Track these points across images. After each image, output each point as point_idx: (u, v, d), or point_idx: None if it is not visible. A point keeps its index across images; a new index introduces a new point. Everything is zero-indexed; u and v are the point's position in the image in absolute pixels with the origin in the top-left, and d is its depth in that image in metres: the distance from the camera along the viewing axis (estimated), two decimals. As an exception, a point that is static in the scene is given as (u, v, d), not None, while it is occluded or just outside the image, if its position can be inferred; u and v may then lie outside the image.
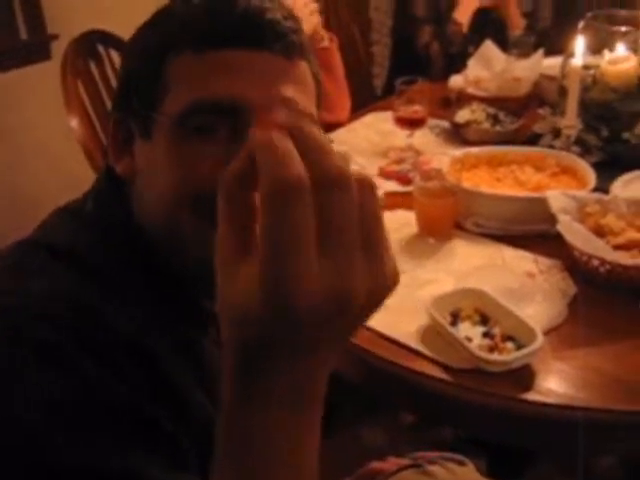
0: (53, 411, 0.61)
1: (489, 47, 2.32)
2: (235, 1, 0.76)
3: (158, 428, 0.67)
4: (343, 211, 0.46)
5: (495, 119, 2.01)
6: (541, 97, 2.17)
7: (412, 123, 1.94)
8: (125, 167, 0.81)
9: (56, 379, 0.62)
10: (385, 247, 0.49)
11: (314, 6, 2.06)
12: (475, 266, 1.42)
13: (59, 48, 2.55)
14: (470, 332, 1.19)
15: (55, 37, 2.80)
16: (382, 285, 0.48)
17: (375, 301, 0.49)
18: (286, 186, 0.44)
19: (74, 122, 2.04)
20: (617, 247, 1.33)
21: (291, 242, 0.45)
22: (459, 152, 1.73)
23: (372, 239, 0.48)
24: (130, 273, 0.77)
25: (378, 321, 1.26)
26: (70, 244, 0.76)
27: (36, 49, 2.81)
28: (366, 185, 0.48)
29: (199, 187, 0.74)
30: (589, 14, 1.92)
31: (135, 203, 0.81)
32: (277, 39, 0.77)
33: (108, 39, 2.30)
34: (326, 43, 2.13)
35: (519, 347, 1.14)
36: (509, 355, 1.12)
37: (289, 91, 0.77)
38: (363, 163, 1.84)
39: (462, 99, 2.17)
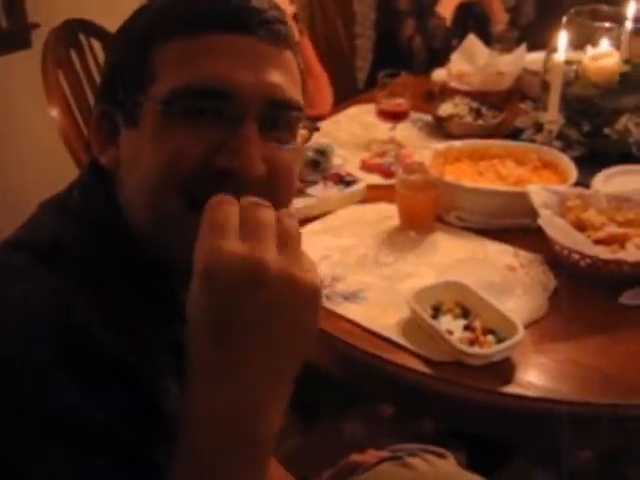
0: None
1: (472, 41, 2.32)
2: None
3: (146, 461, 0.65)
4: (261, 217, 0.62)
5: (477, 113, 2.02)
6: (523, 92, 2.18)
7: (395, 116, 1.94)
8: (110, 157, 0.80)
9: (36, 408, 0.61)
10: (302, 255, 0.63)
11: None
12: (456, 259, 1.43)
13: (39, 37, 2.52)
14: (451, 325, 1.19)
15: (36, 26, 2.77)
16: (298, 275, 0.61)
17: (294, 289, 0.60)
18: (219, 199, 0.63)
19: (55, 112, 2.02)
20: (597, 242, 1.34)
21: (216, 227, 0.61)
22: (441, 145, 1.73)
23: (289, 245, 0.62)
24: (116, 266, 0.76)
25: (359, 314, 1.26)
26: (55, 238, 0.75)
27: (16, 37, 2.78)
28: (289, 212, 0.65)
29: (185, 171, 0.73)
30: (572, 10, 1.92)
31: (120, 193, 0.80)
32: (262, 25, 0.76)
33: (89, 28, 2.27)
34: (297, 36, 2.10)
35: (500, 340, 1.14)
36: (490, 348, 1.13)
37: (276, 77, 0.76)
38: (345, 156, 1.84)
39: (445, 93, 2.17)
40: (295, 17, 2.14)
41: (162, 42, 0.76)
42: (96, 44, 2.28)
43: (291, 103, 0.78)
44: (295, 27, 2.09)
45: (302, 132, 0.81)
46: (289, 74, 0.79)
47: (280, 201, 0.75)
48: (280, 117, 0.78)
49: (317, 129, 0.85)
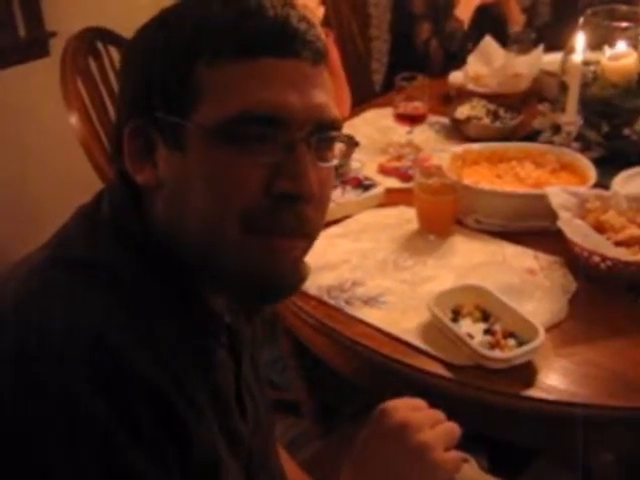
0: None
1: (489, 43, 2.31)
2: (264, 9, 0.74)
3: None
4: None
5: (495, 115, 2.01)
6: (541, 93, 2.17)
7: (412, 119, 1.94)
8: (147, 177, 0.77)
9: (67, 434, 0.62)
10: None
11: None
12: (476, 263, 1.42)
13: (57, 45, 2.54)
14: (471, 329, 1.19)
15: (53, 34, 2.79)
16: None
17: None
18: None
19: (73, 118, 2.04)
20: (618, 243, 1.33)
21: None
22: (459, 148, 1.73)
23: None
24: (153, 283, 0.75)
25: (379, 318, 1.26)
26: (94, 257, 0.74)
27: (34, 46, 2.80)
28: None
29: (245, 200, 0.73)
30: (589, 10, 1.91)
31: (161, 214, 0.77)
32: (305, 47, 0.75)
33: (107, 36, 2.29)
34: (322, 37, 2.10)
35: (520, 344, 1.14)
36: (510, 352, 1.13)
37: (320, 98, 0.76)
38: (363, 160, 1.83)
39: (462, 95, 2.16)
40: (322, 19, 2.14)
41: (208, 62, 0.73)
42: (114, 51, 2.29)
43: (335, 122, 0.78)
44: (322, 30, 2.08)
45: (340, 146, 0.82)
46: (327, 91, 0.79)
47: (324, 213, 0.80)
48: (326, 137, 0.78)
49: (357, 144, 0.86)
